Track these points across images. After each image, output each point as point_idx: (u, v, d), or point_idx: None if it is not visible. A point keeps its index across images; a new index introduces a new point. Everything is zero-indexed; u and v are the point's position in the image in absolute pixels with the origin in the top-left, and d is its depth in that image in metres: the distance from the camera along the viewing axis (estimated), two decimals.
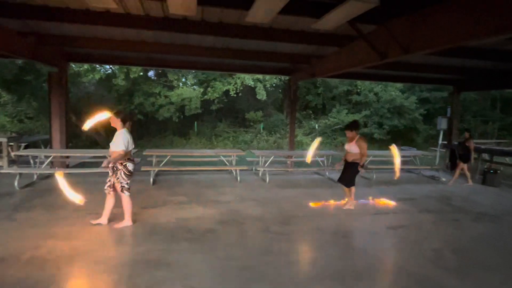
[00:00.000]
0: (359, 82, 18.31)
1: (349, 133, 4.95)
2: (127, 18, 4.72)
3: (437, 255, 3.66)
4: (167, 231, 4.02)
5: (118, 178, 3.92)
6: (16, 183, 5.65)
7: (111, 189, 4.02)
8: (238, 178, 7.05)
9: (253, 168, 8.04)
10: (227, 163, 7.51)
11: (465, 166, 7.33)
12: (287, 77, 12.96)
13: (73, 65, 13.29)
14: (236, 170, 7.25)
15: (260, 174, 7.58)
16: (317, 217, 4.82)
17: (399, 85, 18.30)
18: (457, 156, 7.48)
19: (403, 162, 9.75)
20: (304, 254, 3.56)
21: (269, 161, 7.57)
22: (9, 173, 5.92)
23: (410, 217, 5.00)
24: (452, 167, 7.76)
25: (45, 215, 4.41)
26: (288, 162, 8.93)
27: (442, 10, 3.60)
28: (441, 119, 10.04)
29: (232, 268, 3.16)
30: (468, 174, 7.43)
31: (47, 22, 5.04)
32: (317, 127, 18.18)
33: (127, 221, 4.09)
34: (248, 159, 8.53)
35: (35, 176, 6.37)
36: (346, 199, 5.29)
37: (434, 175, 8.29)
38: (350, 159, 4.98)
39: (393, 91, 18.05)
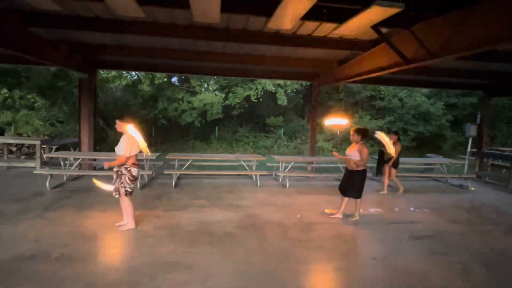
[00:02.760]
0: (382, 87, 17.92)
1: (354, 136, 4.74)
2: (153, 27, 4.91)
3: (466, 268, 3.49)
4: (188, 234, 4.08)
5: (122, 183, 3.95)
6: (47, 184, 5.95)
7: (117, 193, 4.05)
8: (258, 183, 7.06)
9: (273, 174, 8.03)
10: (247, 168, 7.54)
11: (393, 171, 6.67)
12: (308, 83, 12.88)
13: (102, 72, 13.89)
14: (256, 175, 7.27)
15: (280, 180, 7.55)
16: (338, 224, 4.73)
17: (425, 90, 17.73)
18: (385, 160, 6.69)
19: (429, 170, 9.38)
20: (324, 263, 3.50)
21: (289, 167, 7.53)
22: (41, 174, 6.25)
23: (436, 227, 4.79)
24: (378, 172, 6.97)
25: (73, 215, 4.61)
26: (309, 168, 8.85)
27: (472, 13, 3.48)
28: (470, 126, 9.61)
29: (251, 273, 3.16)
30: (386, 181, 6.74)
31: (79, 31, 5.32)
32: (338, 133, 17.89)
33: (130, 224, 4.12)
34: (268, 164, 8.53)
35: (65, 177, 6.68)
36: (336, 210, 5.06)
37: (462, 184, 7.93)
38: (350, 166, 4.76)
39: (418, 97, 17.51)
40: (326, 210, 5.14)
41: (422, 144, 17.74)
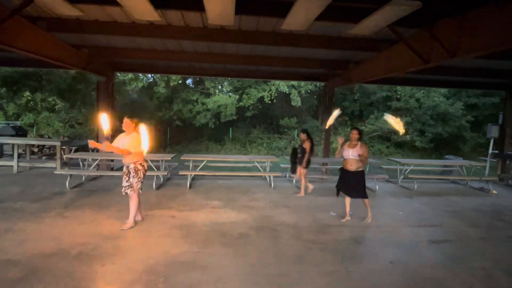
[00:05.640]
0: (399, 88, 17.58)
1: (356, 135, 4.65)
2: (168, 30, 4.99)
3: (487, 274, 3.37)
4: (202, 234, 4.12)
5: (129, 180, 4.10)
6: (67, 184, 6.13)
7: (126, 190, 4.16)
8: (272, 185, 7.05)
9: (287, 175, 8.00)
10: (261, 169, 7.55)
11: (303, 171, 6.23)
12: (322, 83, 12.76)
13: (119, 74, 14.22)
14: (270, 177, 7.26)
15: (294, 181, 7.51)
16: (353, 226, 4.66)
17: (444, 90, 17.28)
18: (298, 158, 6.24)
19: (447, 173, 9.12)
20: (338, 265, 3.45)
21: None
22: (61, 174, 6.45)
23: (456, 232, 4.65)
24: (294, 170, 6.47)
25: (92, 214, 4.73)
26: (323, 169, 8.76)
27: (493, 10, 3.37)
28: (492, 127, 9.30)
29: (264, 275, 3.16)
30: (304, 182, 6.37)
31: (98, 35, 5.47)
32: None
33: (130, 223, 4.19)
34: (282, 165, 8.50)
35: (83, 178, 6.87)
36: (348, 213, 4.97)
37: (483, 187, 7.67)
38: (354, 167, 4.63)
39: (436, 97, 17.09)
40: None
41: (440, 146, 17.28)
